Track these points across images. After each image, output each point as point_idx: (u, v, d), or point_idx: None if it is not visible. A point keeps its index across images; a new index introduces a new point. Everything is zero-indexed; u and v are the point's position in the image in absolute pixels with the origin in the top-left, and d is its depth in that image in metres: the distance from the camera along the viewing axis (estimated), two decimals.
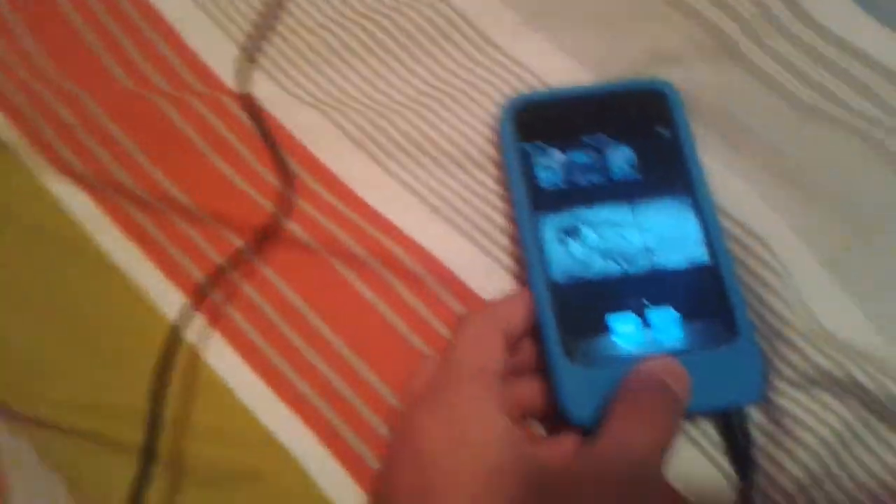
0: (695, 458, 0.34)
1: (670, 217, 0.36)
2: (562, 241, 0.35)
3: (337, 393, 0.36)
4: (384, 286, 0.38)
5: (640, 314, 0.34)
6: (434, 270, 0.38)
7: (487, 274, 0.38)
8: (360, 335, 0.37)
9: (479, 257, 0.38)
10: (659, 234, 0.35)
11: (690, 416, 0.34)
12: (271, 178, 0.41)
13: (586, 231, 0.36)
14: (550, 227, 0.36)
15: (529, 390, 0.34)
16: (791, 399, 0.33)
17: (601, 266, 0.35)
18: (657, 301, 0.34)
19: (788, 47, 0.41)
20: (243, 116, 0.43)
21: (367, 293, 0.38)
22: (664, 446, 0.30)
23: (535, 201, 0.36)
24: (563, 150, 0.37)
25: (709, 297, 0.34)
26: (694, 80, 0.40)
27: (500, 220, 0.39)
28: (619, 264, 0.35)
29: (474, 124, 0.41)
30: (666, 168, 0.37)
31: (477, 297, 0.38)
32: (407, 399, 0.33)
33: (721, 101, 0.40)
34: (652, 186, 0.36)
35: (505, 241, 0.39)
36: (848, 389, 0.33)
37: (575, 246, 0.35)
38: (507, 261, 0.38)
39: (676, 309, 0.34)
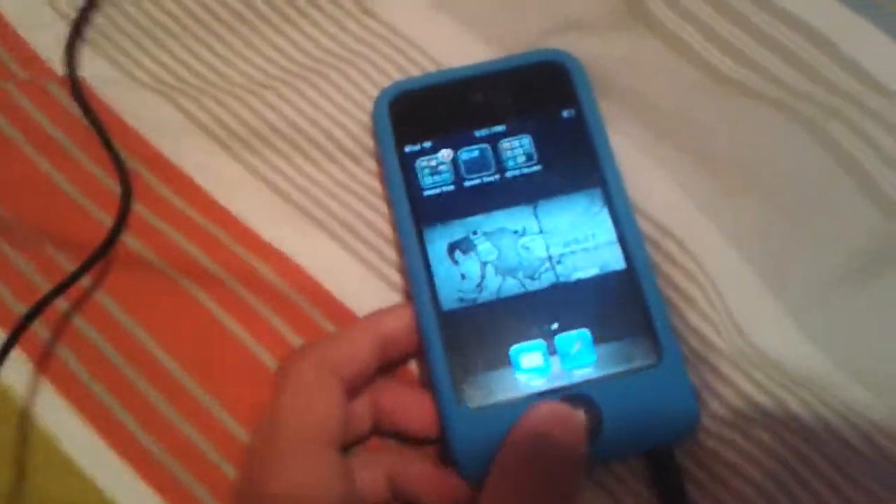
0: None
1: (578, 217, 0.30)
2: (452, 258, 0.30)
3: (190, 447, 0.30)
4: (245, 310, 0.32)
5: (547, 340, 0.29)
6: (305, 288, 0.32)
7: (372, 292, 0.32)
8: (218, 371, 0.31)
9: (360, 272, 0.32)
10: (565, 238, 0.30)
11: (606, 461, 0.29)
12: (108, 182, 0.34)
13: (480, 243, 0.30)
14: (438, 241, 0.30)
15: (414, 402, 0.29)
16: (722, 440, 0.29)
17: (498, 285, 0.29)
18: (566, 323, 0.29)
19: (710, 11, 0.35)
20: (73, 107, 0.35)
21: (226, 319, 0.32)
22: None
23: (418, 212, 0.30)
24: (449, 146, 0.31)
25: (626, 312, 0.29)
26: (603, 52, 0.34)
27: (385, 226, 0.33)
28: (519, 281, 0.29)
29: (350, 110, 0.35)
30: (570, 158, 0.31)
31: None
32: (246, 466, 0.28)
33: (633, 75, 0.34)
34: (555, 181, 0.31)
35: (391, 252, 0.33)
36: (785, 424, 0.28)
37: (467, 263, 0.30)
38: (395, 276, 0.32)
39: (588, 330, 0.29)
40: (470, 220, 0.30)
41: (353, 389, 0.28)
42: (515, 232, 0.30)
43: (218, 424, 0.30)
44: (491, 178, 0.31)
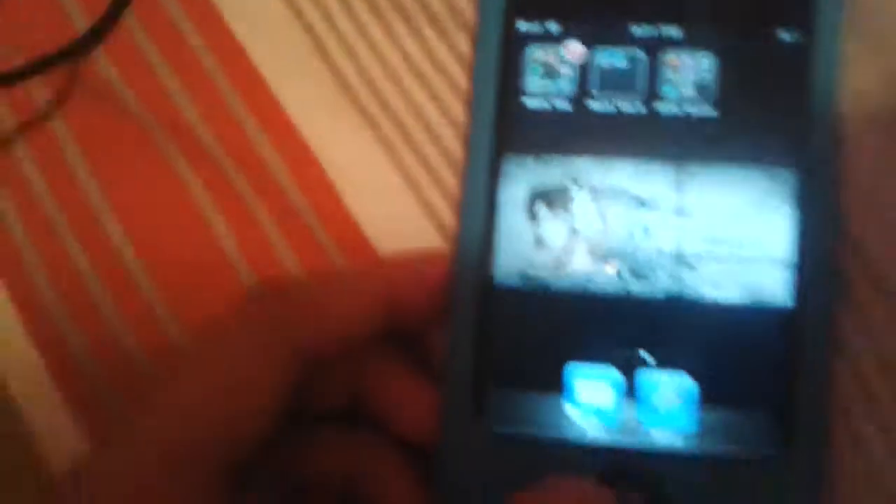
0: None
1: (746, 205, 0.19)
2: (531, 211, 0.20)
3: (122, 355, 0.23)
4: (234, 203, 0.24)
5: (629, 373, 0.19)
6: (321, 201, 0.23)
7: (409, 226, 0.23)
8: (179, 272, 0.24)
9: (402, 196, 0.23)
10: (714, 233, 0.19)
11: None
12: None
13: (581, 202, 0.20)
14: (520, 181, 0.20)
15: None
16: None
17: (587, 271, 0.19)
18: (666, 358, 0.19)
19: None
20: None
21: (206, 205, 0.24)
22: None
23: (505, 129, 0.20)
24: (583, 38, 0.20)
25: (765, 372, 0.19)
26: None
27: (454, 141, 0.23)
28: (620, 275, 0.19)
29: None
30: (770, 110, 0.20)
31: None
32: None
33: None
34: (732, 140, 0.20)
35: (452, 179, 0.23)
36: None
37: (552, 224, 0.20)
38: (447, 215, 0.23)
39: (698, 380, 0.19)
40: (578, 161, 0.20)
41: (326, 358, 0.19)
42: (640, 201, 0.19)
43: (163, 338, 0.23)
44: (632, 109, 0.20)
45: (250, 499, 0.19)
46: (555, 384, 0.19)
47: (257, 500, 0.19)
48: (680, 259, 0.19)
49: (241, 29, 0.24)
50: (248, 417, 0.18)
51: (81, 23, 0.25)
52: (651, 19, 0.20)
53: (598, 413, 0.19)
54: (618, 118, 0.20)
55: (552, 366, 0.19)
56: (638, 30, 0.20)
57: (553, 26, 0.20)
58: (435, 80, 0.23)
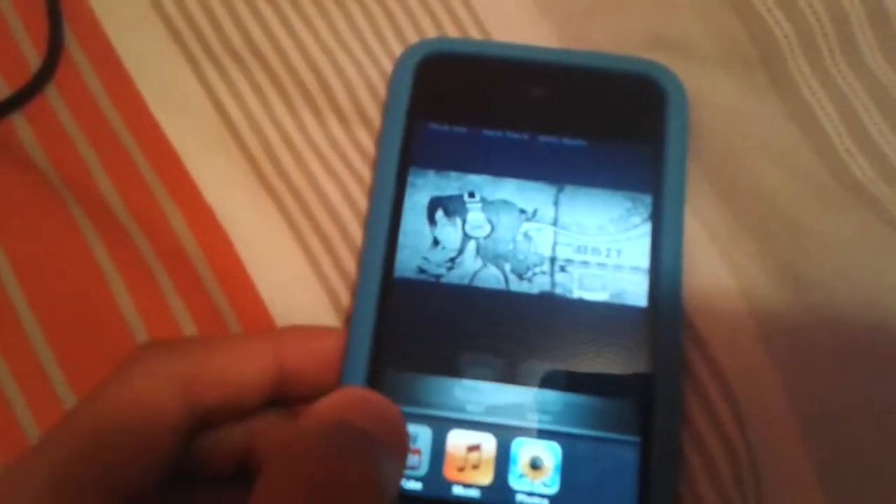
0: None
1: (609, 220, 0.23)
2: (431, 217, 0.23)
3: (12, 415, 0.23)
4: (138, 269, 0.24)
5: (507, 357, 0.21)
6: (224, 269, 0.24)
7: (309, 301, 0.24)
8: (76, 334, 0.24)
9: (302, 271, 0.25)
10: (582, 241, 0.23)
11: None
12: (27, 49, 0.27)
13: (473, 210, 0.23)
14: (422, 191, 0.23)
15: None
16: None
17: (475, 270, 0.22)
18: (538, 345, 0.21)
19: (856, 85, 0.28)
20: None
21: (110, 272, 0.24)
22: None
23: (410, 149, 0.24)
24: (467, 134, 0.24)
25: (620, 362, 0.21)
26: (705, 87, 0.27)
27: (356, 227, 0.25)
28: (503, 274, 0.22)
29: (360, 58, 0.27)
30: (627, 152, 0.24)
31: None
32: None
33: (735, 135, 0.26)
34: (598, 167, 0.24)
35: (350, 261, 0.25)
36: None
37: (447, 229, 0.23)
38: (343, 293, 0.24)
39: (565, 367, 0.21)
40: (471, 177, 0.23)
41: (216, 416, 0.19)
42: (523, 211, 0.23)
43: (55, 400, 0.23)
44: (518, 135, 0.24)
45: None
46: (446, 368, 0.21)
47: None
48: (554, 262, 0.22)
49: (156, 104, 0.26)
50: (138, 455, 0.17)
51: (4, 89, 0.26)
52: (531, 129, 0.24)
53: (476, 390, 0.21)
54: (507, 142, 0.24)
55: (443, 351, 0.21)
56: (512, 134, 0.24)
57: (447, 127, 0.24)
58: (336, 163, 0.25)
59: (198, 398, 0.19)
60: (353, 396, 0.17)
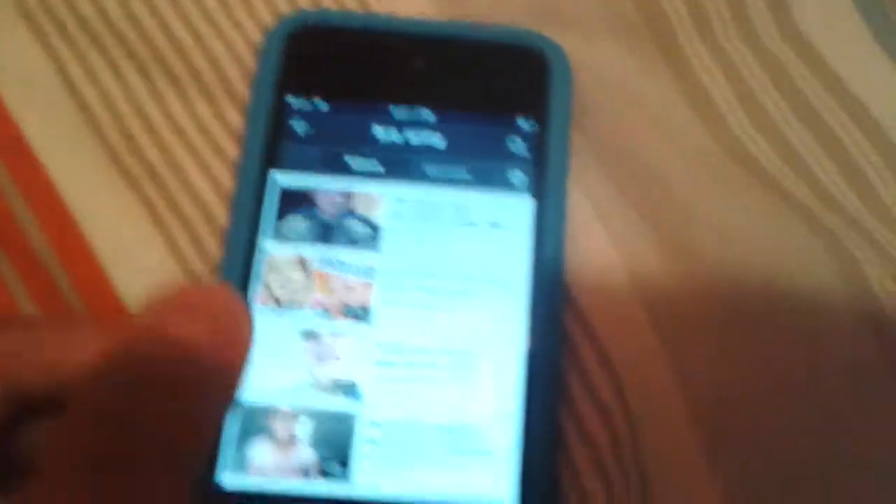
0: None
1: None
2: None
3: None
4: None
5: None
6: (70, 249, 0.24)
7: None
8: None
9: (166, 265, 0.24)
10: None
11: None
12: None
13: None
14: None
15: None
16: None
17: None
18: None
19: (751, 60, 0.27)
20: None
21: None
22: None
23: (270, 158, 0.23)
24: (342, 110, 0.24)
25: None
26: (591, 60, 0.26)
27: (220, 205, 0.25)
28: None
29: (225, 30, 0.26)
30: (508, 187, 0.23)
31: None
32: None
33: (623, 107, 0.26)
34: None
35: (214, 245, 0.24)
36: None
37: None
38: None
39: None
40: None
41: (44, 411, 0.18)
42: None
43: None
44: (395, 109, 0.23)
45: None
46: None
47: None
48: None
49: (12, 95, 0.25)
50: None
51: None
52: (407, 98, 0.24)
53: None
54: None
55: None
56: (398, 113, 0.23)
57: (316, 100, 0.24)
58: (200, 142, 0.25)
59: (14, 382, 0.17)
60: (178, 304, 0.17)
